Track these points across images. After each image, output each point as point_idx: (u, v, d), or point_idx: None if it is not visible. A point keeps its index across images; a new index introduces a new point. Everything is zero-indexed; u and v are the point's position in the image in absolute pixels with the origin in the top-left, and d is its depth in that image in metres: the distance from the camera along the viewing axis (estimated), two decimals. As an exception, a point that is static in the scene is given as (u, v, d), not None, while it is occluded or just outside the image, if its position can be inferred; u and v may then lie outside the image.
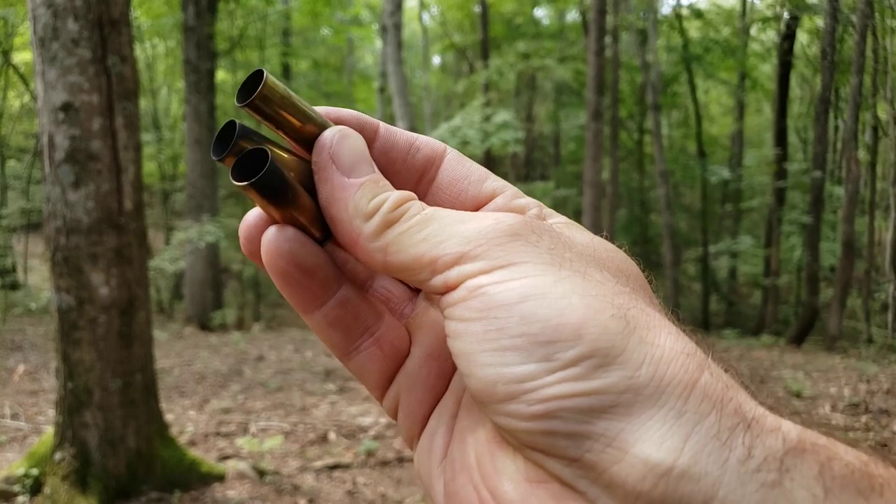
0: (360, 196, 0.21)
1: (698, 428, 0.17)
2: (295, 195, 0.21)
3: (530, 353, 0.18)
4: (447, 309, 0.20)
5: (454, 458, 0.22)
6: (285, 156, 0.22)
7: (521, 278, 0.19)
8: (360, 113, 0.24)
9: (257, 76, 0.22)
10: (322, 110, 0.24)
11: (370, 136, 0.24)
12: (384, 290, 0.26)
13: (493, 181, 0.24)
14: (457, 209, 0.23)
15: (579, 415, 0.17)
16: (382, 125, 0.24)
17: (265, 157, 0.21)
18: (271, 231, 0.22)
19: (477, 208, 0.24)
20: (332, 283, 0.23)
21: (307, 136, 0.22)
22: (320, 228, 0.22)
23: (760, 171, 12.26)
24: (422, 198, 0.24)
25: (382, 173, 0.24)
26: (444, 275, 0.19)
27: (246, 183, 0.21)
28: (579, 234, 0.22)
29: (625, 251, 0.23)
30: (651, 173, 12.90)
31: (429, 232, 0.20)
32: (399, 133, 0.24)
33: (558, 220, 0.24)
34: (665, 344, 0.18)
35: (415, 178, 0.24)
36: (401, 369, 0.25)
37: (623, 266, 0.22)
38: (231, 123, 0.22)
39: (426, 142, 0.25)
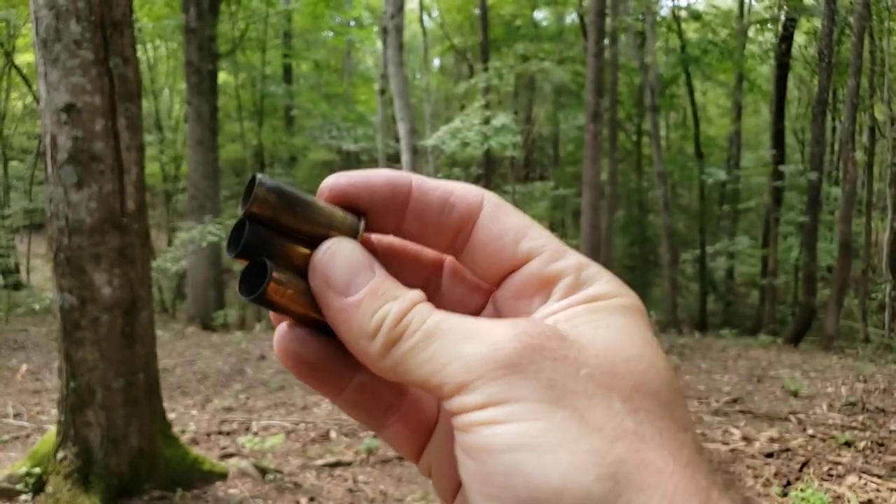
0: (360, 315, 0.20)
1: None
2: (294, 312, 0.21)
3: None
4: (454, 431, 0.19)
5: None
6: (301, 250, 0.21)
7: (513, 422, 0.18)
8: (391, 174, 0.22)
9: (253, 182, 0.21)
10: (348, 178, 0.22)
11: (402, 201, 0.22)
12: None
13: (530, 240, 0.22)
14: (492, 271, 0.23)
15: None
16: (415, 183, 0.22)
17: (265, 271, 0.20)
18: (280, 331, 0.22)
19: (512, 271, 0.22)
20: (346, 372, 0.23)
21: (314, 237, 0.22)
22: None
23: (758, 172, 12.31)
24: (458, 255, 0.23)
25: (417, 237, 0.23)
26: (448, 402, 0.19)
27: (246, 298, 0.21)
28: (601, 334, 0.20)
29: (654, 347, 0.20)
30: (649, 174, 12.94)
31: (432, 352, 0.19)
32: (432, 190, 0.22)
33: (594, 291, 0.21)
34: None
35: (449, 237, 0.23)
36: (430, 439, 0.24)
37: (643, 379, 0.19)
38: (242, 223, 0.21)
39: (461, 196, 0.23)
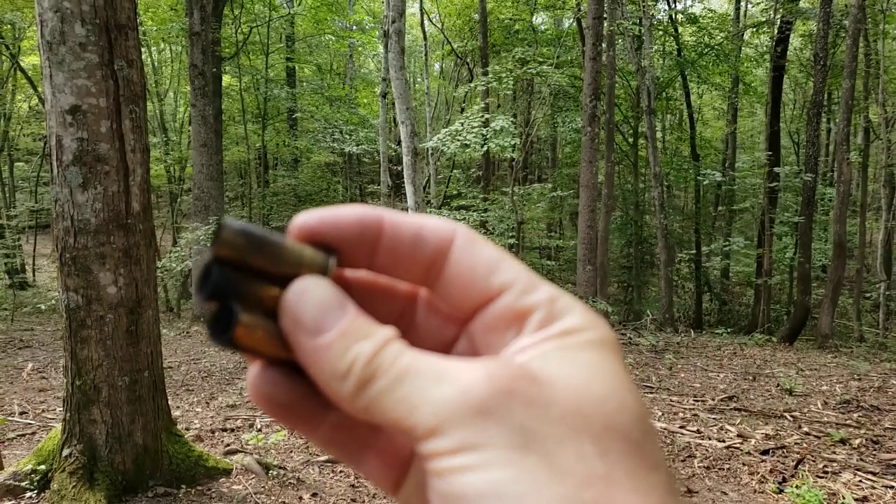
0: (331, 356, 0.20)
1: None
2: (265, 354, 0.22)
3: None
4: (427, 476, 0.19)
5: None
6: (271, 291, 0.21)
7: (483, 468, 0.18)
8: (361, 210, 0.22)
9: (220, 226, 0.21)
10: (317, 216, 0.22)
11: (374, 236, 0.22)
12: None
13: (503, 273, 0.22)
14: (466, 303, 0.23)
15: None
16: (387, 220, 0.22)
17: (231, 316, 0.21)
18: (252, 373, 0.23)
19: (485, 303, 0.22)
20: (320, 412, 0.23)
21: (285, 277, 0.22)
22: None
23: (753, 174, 12.40)
24: (431, 287, 0.23)
25: (390, 271, 0.23)
26: (419, 446, 0.19)
27: (215, 342, 0.21)
28: (572, 372, 0.20)
29: (625, 383, 0.21)
30: (646, 176, 13.02)
31: (403, 394, 0.19)
32: (404, 225, 0.22)
33: (566, 325, 0.21)
34: None
35: (422, 271, 0.23)
36: (407, 474, 0.24)
37: (613, 419, 0.19)
38: (210, 267, 0.21)
39: (433, 230, 0.22)
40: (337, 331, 0.21)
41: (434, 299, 0.25)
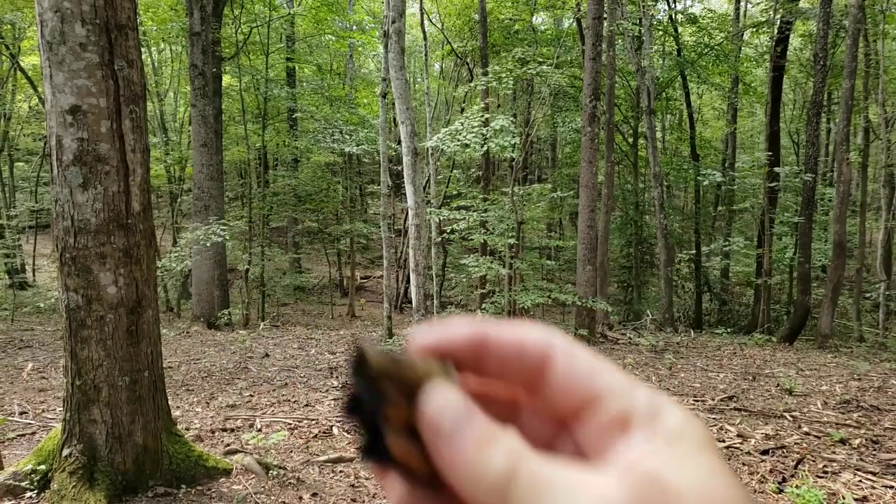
0: (467, 463, 0.22)
1: None
2: (408, 469, 0.24)
3: None
4: None
5: None
6: (404, 409, 0.24)
7: None
8: (469, 327, 0.26)
9: (358, 353, 0.24)
10: (436, 333, 0.25)
11: (482, 350, 0.25)
12: None
13: (602, 378, 0.24)
14: (568, 407, 0.25)
15: None
16: (492, 332, 0.25)
17: (379, 431, 0.24)
18: (396, 497, 0.25)
19: (586, 406, 0.24)
20: None
21: (416, 389, 0.24)
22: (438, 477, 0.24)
23: (753, 174, 12.42)
24: (534, 392, 0.26)
25: (496, 377, 0.26)
26: None
27: (369, 459, 0.24)
28: (692, 476, 0.21)
29: (735, 484, 0.22)
30: (646, 176, 13.02)
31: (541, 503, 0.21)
32: (507, 338, 0.25)
33: (670, 425, 0.23)
34: None
35: (527, 378, 0.25)
36: None
37: None
38: (353, 385, 0.24)
39: (533, 343, 0.25)
40: (471, 438, 0.23)
41: (533, 402, 0.27)
